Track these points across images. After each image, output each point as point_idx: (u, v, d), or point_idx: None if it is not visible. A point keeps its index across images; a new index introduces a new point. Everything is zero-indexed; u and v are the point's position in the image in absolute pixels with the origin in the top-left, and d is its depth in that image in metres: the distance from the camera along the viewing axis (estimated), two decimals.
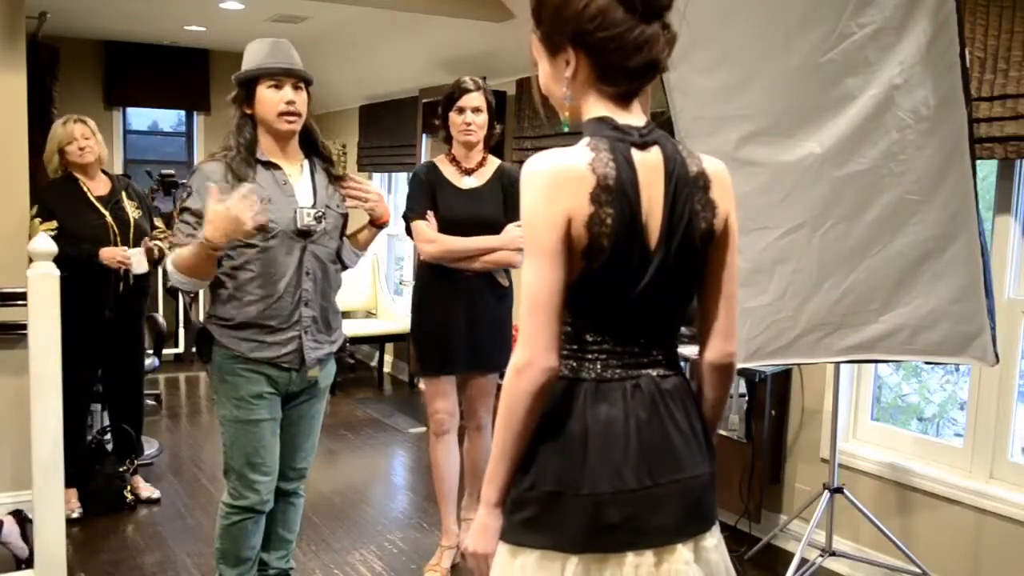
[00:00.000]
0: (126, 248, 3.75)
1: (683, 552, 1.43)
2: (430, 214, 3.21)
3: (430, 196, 3.24)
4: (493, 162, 3.34)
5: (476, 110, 3.21)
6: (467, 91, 3.20)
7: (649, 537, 1.41)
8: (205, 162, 2.62)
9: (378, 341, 6.70)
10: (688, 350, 1.69)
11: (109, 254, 3.70)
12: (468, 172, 3.29)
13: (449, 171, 3.29)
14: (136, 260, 3.73)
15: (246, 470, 2.63)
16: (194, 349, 2.72)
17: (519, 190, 1.34)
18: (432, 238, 3.20)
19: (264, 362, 2.59)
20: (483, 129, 3.24)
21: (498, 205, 3.26)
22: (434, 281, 3.29)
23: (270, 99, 2.56)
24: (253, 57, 2.59)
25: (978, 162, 2.54)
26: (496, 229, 3.22)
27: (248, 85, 2.58)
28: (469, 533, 1.52)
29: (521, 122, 5.07)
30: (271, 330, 2.59)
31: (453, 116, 3.23)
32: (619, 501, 1.40)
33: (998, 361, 2.70)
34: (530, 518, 1.43)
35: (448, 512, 3.45)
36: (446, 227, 3.21)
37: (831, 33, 2.53)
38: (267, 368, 2.60)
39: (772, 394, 3.64)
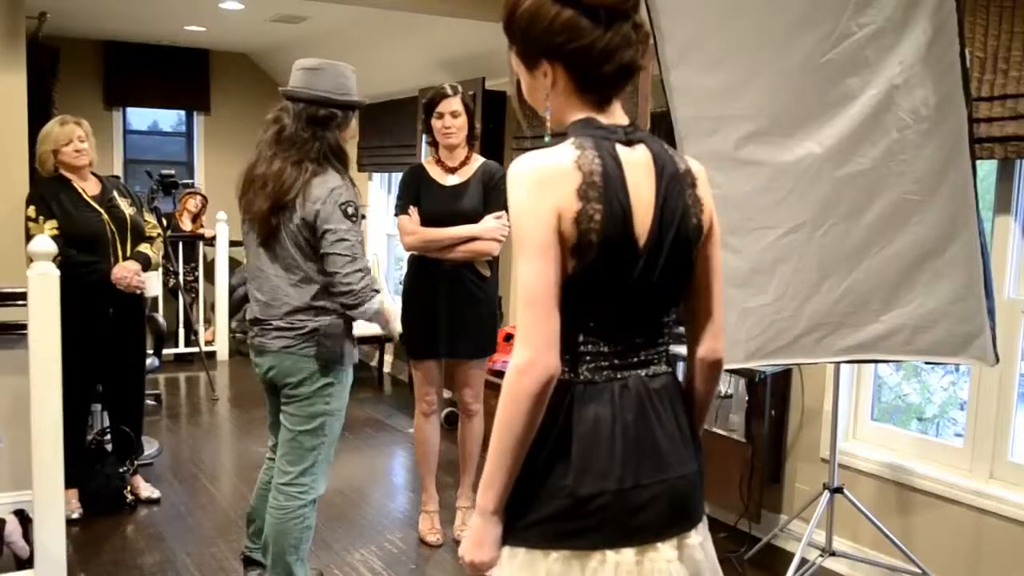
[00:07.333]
0: (139, 269, 3.75)
1: (665, 550, 1.44)
2: (412, 209, 3.47)
3: (414, 194, 3.50)
4: (477, 160, 3.55)
5: (454, 114, 3.44)
6: (445, 96, 3.44)
7: (630, 536, 1.42)
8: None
9: (378, 341, 6.70)
10: (679, 349, 1.69)
11: (122, 274, 3.69)
12: (452, 171, 3.52)
13: (434, 171, 3.53)
14: (151, 284, 3.75)
15: (330, 458, 2.81)
16: (326, 349, 2.67)
17: (500, 183, 1.36)
18: (411, 230, 3.47)
19: None
20: (463, 131, 3.47)
21: (478, 199, 3.46)
22: (419, 272, 3.55)
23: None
24: (354, 85, 2.75)
25: (978, 162, 2.54)
26: (476, 222, 3.43)
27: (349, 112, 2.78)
28: (464, 542, 1.47)
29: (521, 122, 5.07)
30: None
31: (434, 121, 3.47)
32: (602, 502, 1.40)
33: (998, 361, 2.70)
34: (518, 516, 1.43)
35: (430, 479, 3.76)
36: (429, 222, 3.44)
37: (831, 33, 2.53)
38: None
39: (772, 394, 3.64)
